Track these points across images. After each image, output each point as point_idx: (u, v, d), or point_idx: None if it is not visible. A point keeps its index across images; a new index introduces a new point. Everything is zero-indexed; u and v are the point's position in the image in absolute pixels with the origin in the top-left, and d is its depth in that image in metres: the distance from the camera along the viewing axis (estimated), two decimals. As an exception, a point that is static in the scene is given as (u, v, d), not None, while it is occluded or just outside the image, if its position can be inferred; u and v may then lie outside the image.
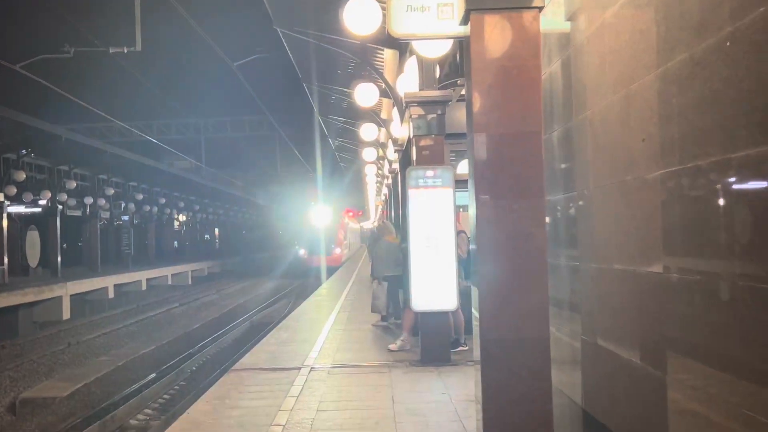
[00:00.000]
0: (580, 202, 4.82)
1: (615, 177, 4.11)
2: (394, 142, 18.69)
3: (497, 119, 4.65)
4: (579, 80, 4.74)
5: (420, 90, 11.32)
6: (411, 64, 12.54)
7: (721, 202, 2.88)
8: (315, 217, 48.85)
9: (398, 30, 6.68)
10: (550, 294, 5.18)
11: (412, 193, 10.65)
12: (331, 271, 40.24)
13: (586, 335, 4.78)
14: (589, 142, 4.55)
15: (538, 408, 4.56)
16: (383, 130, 20.88)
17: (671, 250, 3.36)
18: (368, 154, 24.85)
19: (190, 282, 45.14)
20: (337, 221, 49.83)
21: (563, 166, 5.17)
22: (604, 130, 4.28)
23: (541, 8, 4.57)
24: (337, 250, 48.59)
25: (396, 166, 19.93)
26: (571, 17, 4.90)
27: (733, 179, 2.79)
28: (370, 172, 32.82)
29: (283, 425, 7.97)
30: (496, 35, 4.62)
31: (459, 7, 4.98)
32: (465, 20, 4.84)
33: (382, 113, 21.40)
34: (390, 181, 24.98)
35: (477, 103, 4.68)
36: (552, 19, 5.11)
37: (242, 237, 74.73)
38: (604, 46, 4.26)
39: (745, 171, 2.69)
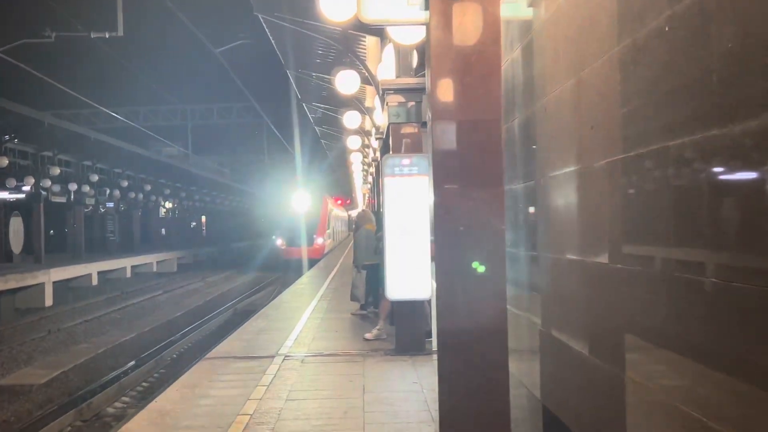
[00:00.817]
0: (537, 192, 4.76)
1: (566, 166, 4.04)
2: (377, 130, 18.61)
3: (456, 106, 4.56)
4: (538, 67, 4.67)
5: (397, 77, 11.23)
6: (389, 52, 12.47)
7: (660, 191, 2.81)
8: (292, 202, 43.61)
9: (368, 15, 6.58)
10: (511, 284, 5.12)
11: (387, 181, 10.54)
12: (312, 263, 37.11)
13: (543, 327, 4.72)
14: (546, 131, 4.48)
15: (495, 400, 4.49)
16: (367, 117, 20.79)
17: (615, 240, 3.31)
18: (353, 142, 24.78)
19: (175, 269, 45.09)
20: (318, 207, 44.44)
21: (523, 154, 5.11)
22: (558, 118, 4.21)
23: (501, -7, 4.49)
24: (319, 240, 43.16)
25: (378, 154, 19.85)
26: (531, 2, 4.82)
27: (671, 168, 2.72)
28: (356, 160, 32.74)
29: (251, 414, 7.91)
30: (456, 21, 4.53)
31: (423, -9, 4.89)
32: (426, 5, 4.74)
33: (366, 101, 21.30)
34: (374, 169, 24.91)
35: (436, 90, 4.59)
36: (514, 5, 5.02)
37: (226, 224, 73.22)
38: (559, 31, 4.18)
39: (682, 159, 2.62)
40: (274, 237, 45.05)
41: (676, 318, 2.76)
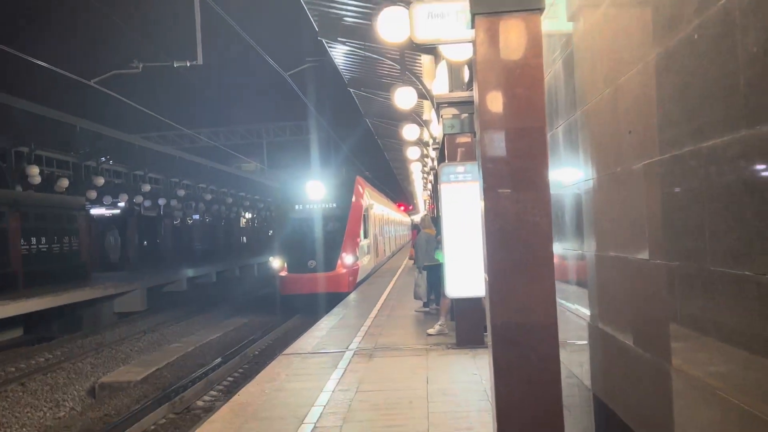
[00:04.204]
0: (581, 194, 4.69)
1: (607, 169, 3.98)
2: (433, 140, 18.59)
3: (503, 116, 4.54)
4: (578, 77, 4.60)
5: (450, 92, 11.22)
6: (442, 69, 12.46)
7: (695, 190, 2.74)
8: (296, 192, 24.64)
9: (420, 36, 6.61)
10: (560, 281, 5.05)
11: (444, 187, 10.56)
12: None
13: (591, 320, 4.65)
14: (587, 136, 4.42)
15: (548, 390, 4.44)
16: (425, 129, 20.78)
17: (654, 238, 3.24)
18: (412, 152, 24.79)
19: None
20: (345, 199, 24.54)
21: (567, 159, 5.04)
22: (598, 124, 4.15)
23: (541, 10, 4.44)
24: (347, 259, 23.34)
25: (435, 163, 19.81)
26: (571, 18, 4.76)
27: (704, 168, 2.64)
28: (416, 169, 32.72)
29: (324, 405, 7.97)
30: (500, 37, 4.51)
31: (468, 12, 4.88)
32: (472, 24, 4.72)
33: (424, 114, 21.30)
34: (432, 177, 24.84)
35: (484, 102, 4.58)
36: (555, 20, 4.98)
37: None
38: (597, 43, 4.12)
39: (714, 160, 2.56)
40: (270, 258, 26.12)
41: (712, 308, 2.69)
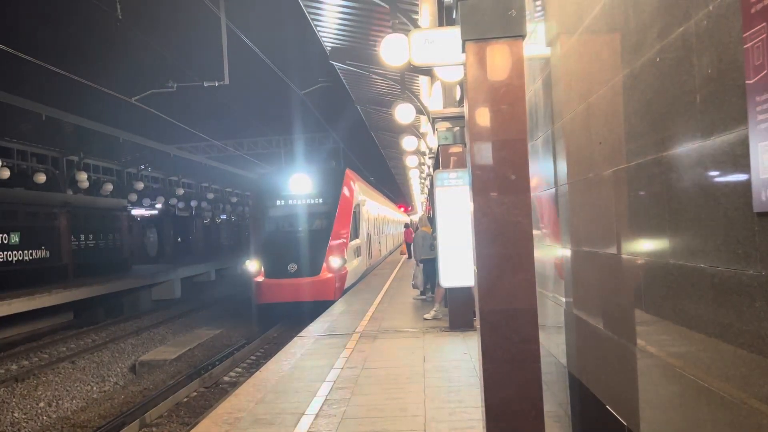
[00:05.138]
0: (558, 197, 4.68)
1: (581, 175, 3.96)
2: (429, 151, 18.56)
3: (490, 129, 4.52)
4: (555, 95, 4.59)
5: (444, 108, 11.20)
6: (437, 88, 12.44)
7: (656, 193, 2.73)
8: (274, 185, 19.02)
9: (418, 60, 6.63)
10: (540, 271, 5.04)
11: (438, 191, 10.54)
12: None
13: (566, 306, 4.63)
14: (563, 146, 4.40)
15: (529, 367, 4.42)
16: (422, 141, 20.76)
17: (621, 235, 3.23)
18: (411, 161, 24.77)
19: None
20: (332, 193, 18.77)
21: (545, 166, 5.03)
22: (573, 136, 4.13)
23: (523, 36, 4.43)
24: (334, 262, 17.56)
25: (431, 170, 19.77)
26: (549, 43, 4.75)
27: (664, 175, 2.63)
28: (414, 175, 32.71)
29: (334, 381, 7.96)
30: (487, 60, 4.49)
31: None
32: (462, 49, 4.69)
33: (421, 128, 21.27)
34: (428, 182, 24.84)
35: (473, 117, 4.56)
36: (535, 45, 4.97)
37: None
38: (572, 65, 4.10)
39: (673, 168, 2.55)
40: (246, 261, 19.20)
41: (672, 296, 2.67)
